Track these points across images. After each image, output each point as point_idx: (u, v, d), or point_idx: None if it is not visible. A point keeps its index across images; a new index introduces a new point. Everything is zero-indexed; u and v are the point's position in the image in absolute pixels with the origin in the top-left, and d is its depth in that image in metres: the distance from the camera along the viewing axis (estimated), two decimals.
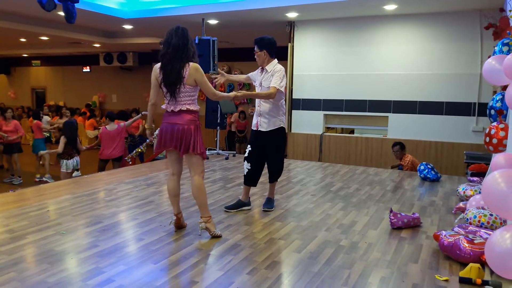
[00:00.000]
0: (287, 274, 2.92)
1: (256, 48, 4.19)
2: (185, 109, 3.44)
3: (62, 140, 6.86)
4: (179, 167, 3.67)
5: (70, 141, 6.93)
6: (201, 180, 3.56)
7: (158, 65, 3.46)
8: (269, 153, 4.35)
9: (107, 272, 2.83)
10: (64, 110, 11.15)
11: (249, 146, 4.36)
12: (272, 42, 4.21)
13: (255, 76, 4.39)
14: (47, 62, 17.70)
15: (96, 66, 15.95)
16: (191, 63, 3.39)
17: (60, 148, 6.87)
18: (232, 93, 3.84)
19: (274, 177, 4.48)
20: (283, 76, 4.13)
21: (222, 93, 3.74)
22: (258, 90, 4.27)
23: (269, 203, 4.49)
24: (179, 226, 3.73)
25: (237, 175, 6.15)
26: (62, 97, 17.56)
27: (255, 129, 4.31)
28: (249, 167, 4.32)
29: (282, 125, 4.28)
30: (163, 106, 3.54)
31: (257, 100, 4.28)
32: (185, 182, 5.56)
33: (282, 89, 4.14)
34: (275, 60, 4.23)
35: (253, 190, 5.16)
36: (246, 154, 4.35)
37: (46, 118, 10.23)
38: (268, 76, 4.16)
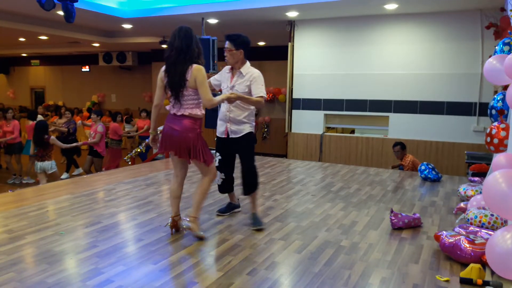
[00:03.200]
0: (287, 274, 2.91)
1: (229, 45, 3.78)
2: (187, 114, 3.38)
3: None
4: (182, 171, 3.63)
5: (36, 142, 6.70)
6: (208, 183, 3.55)
7: (164, 67, 3.45)
8: (243, 161, 3.97)
9: (107, 273, 2.82)
10: (63, 111, 11.10)
11: (218, 154, 4.06)
12: (249, 42, 3.86)
13: (222, 77, 4.00)
14: (46, 62, 17.70)
15: (95, 65, 15.95)
16: (194, 65, 3.33)
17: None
18: (225, 95, 3.65)
19: (249, 188, 3.96)
20: (263, 81, 3.81)
21: (218, 98, 3.54)
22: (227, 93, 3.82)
23: (256, 221, 3.88)
24: (176, 228, 3.68)
25: (236, 174, 6.11)
26: (61, 96, 17.56)
27: (224, 136, 3.98)
28: (224, 177, 4.07)
29: (251, 130, 3.98)
30: (167, 107, 3.51)
31: (225, 105, 3.93)
32: (185, 182, 5.53)
33: (266, 96, 3.82)
34: (248, 63, 3.88)
35: None
36: (217, 164, 4.00)
37: (40, 118, 10.13)
38: (244, 81, 3.80)
